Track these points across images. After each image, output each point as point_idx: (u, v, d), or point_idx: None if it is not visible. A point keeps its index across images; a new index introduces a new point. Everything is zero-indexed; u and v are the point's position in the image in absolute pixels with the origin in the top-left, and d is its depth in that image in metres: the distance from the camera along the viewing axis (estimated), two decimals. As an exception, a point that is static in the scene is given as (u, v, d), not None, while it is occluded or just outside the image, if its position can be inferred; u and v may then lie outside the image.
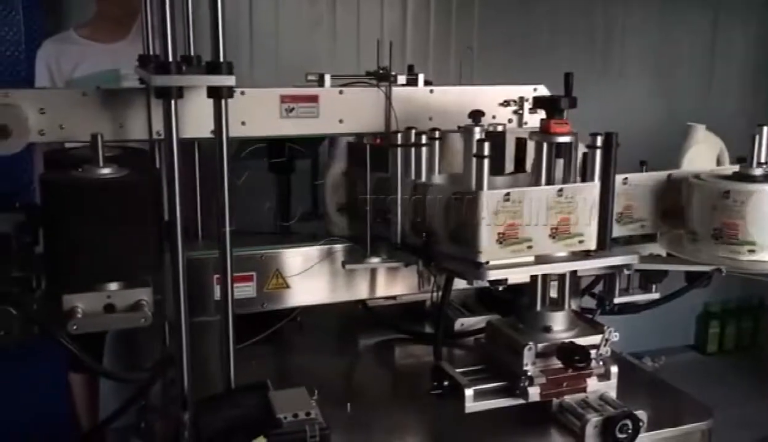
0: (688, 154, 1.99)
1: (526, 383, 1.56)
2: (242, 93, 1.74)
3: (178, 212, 1.45)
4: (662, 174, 1.87)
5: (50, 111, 1.61)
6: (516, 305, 1.73)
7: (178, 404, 1.49)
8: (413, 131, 1.77)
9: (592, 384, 1.62)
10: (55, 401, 3.26)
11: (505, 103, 2.04)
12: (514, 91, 2.05)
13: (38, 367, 3.17)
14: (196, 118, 1.61)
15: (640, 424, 1.56)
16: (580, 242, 1.60)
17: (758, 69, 4.91)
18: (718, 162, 2.03)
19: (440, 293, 1.79)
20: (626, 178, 1.83)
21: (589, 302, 1.98)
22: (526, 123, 2.04)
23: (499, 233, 1.51)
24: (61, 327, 1.45)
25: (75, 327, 1.45)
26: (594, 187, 1.61)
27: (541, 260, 1.58)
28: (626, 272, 1.81)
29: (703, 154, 2.00)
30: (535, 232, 1.54)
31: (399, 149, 1.77)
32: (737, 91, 4.84)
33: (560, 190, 1.56)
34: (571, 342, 1.59)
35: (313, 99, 1.84)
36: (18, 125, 1.55)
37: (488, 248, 1.52)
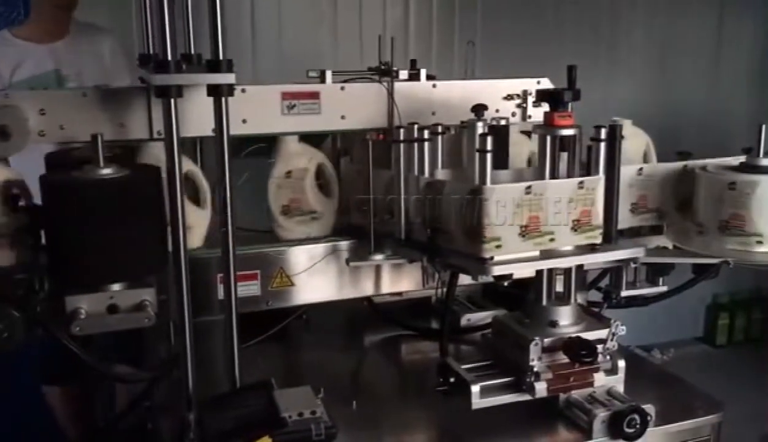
0: None
1: (533, 379, 1.55)
2: (243, 91, 1.73)
3: (180, 211, 1.45)
4: (677, 165, 1.86)
5: (50, 112, 1.61)
6: (522, 299, 1.72)
7: (183, 404, 1.49)
8: (416, 126, 1.76)
9: (600, 379, 1.60)
10: (31, 414, 3.20)
11: (509, 97, 2.03)
12: (517, 85, 2.03)
13: (13, 378, 3.14)
14: (196, 116, 1.60)
15: (649, 418, 1.55)
16: (601, 233, 1.59)
17: (764, 60, 4.87)
18: (645, 158, 2.02)
19: (445, 289, 1.78)
20: (641, 169, 1.81)
21: (595, 296, 1.96)
22: (530, 117, 2.03)
23: (521, 226, 1.51)
24: (65, 329, 1.45)
25: (78, 328, 1.45)
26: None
27: (546, 254, 1.57)
28: (633, 265, 1.80)
29: (630, 149, 1.98)
30: (559, 225, 1.54)
31: (402, 145, 1.76)
32: (743, 82, 4.81)
33: (581, 182, 1.55)
34: (578, 337, 1.57)
35: (315, 96, 1.83)
36: (18, 126, 1.55)
37: (510, 241, 1.51)
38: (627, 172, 1.77)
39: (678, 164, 1.85)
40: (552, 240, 1.55)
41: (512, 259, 1.54)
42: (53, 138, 1.63)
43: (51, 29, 2.85)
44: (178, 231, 1.45)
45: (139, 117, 1.67)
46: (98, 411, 2.80)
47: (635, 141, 2.01)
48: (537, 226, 1.53)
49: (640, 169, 1.81)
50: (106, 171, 1.47)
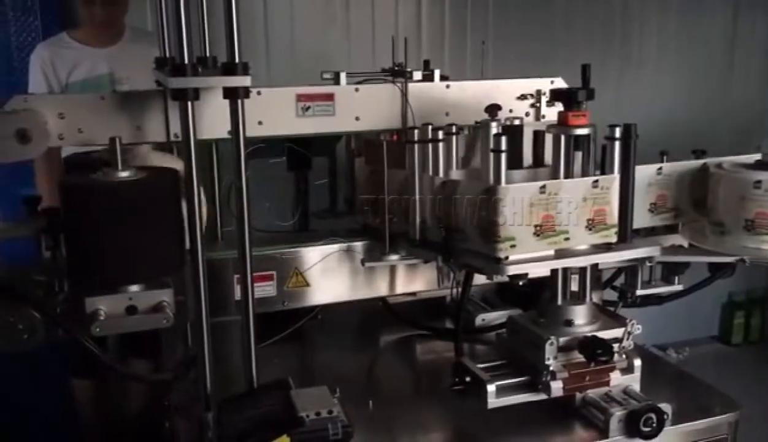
0: None
1: (549, 378, 1.55)
2: (258, 93, 1.74)
3: (197, 213, 1.46)
4: (695, 163, 1.85)
5: (69, 115, 1.62)
6: (537, 299, 1.72)
7: (201, 405, 1.50)
8: (430, 127, 1.77)
9: (616, 378, 1.61)
10: (60, 405, 3.25)
11: (522, 97, 2.02)
12: (530, 85, 2.03)
13: (43, 369, 3.18)
14: (213, 118, 1.61)
15: (665, 417, 1.55)
16: (617, 233, 1.59)
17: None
18: None
19: (460, 289, 1.78)
20: (660, 169, 1.81)
21: (611, 295, 1.96)
22: (543, 116, 2.03)
23: (536, 226, 1.51)
24: (84, 329, 1.46)
25: (98, 329, 1.47)
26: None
27: (561, 253, 1.57)
28: (648, 263, 1.79)
29: None
30: (572, 224, 1.54)
31: (416, 145, 1.76)
32: (757, 79, 4.77)
33: (596, 181, 1.55)
34: (593, 336, 1.57)
35: (329, 97, 1.84)
36: (38, 130, 1.57)
37: (525, 241, 1.51)
38: (646, 171, 1.76)
39: (696, 163, 1.84)
40: (567, 239, 1.55)
41: (527, 258, 1.54)
42: (72, 141, 1.64)
43: (105, 35, 2.98)
44: (195, 232, 1.46)
45: (156, 120, 1.68)
46: (114, 405, 2.83)
47: None
48: (551, 225, 1.53)
49: (660, 168, 1.80)
50: (124, 174, 1.49)
